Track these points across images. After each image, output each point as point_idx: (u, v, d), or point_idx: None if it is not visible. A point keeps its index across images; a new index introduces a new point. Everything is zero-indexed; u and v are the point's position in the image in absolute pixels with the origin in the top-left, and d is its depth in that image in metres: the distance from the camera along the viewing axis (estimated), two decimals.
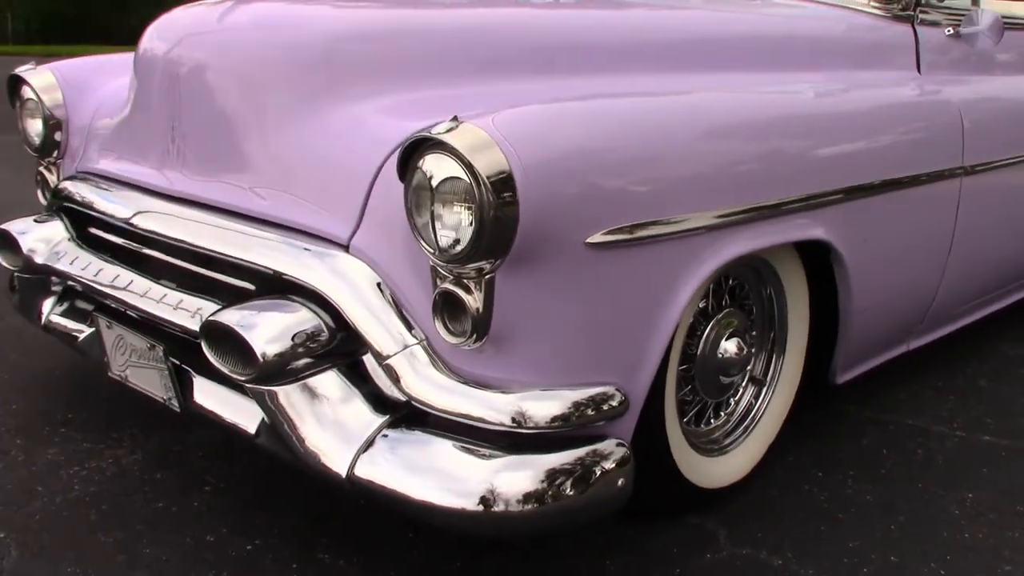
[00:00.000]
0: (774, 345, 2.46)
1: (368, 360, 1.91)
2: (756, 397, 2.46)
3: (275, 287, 1.98)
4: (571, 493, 1.80)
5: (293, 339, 1.86)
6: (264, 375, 1.85)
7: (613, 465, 1.86)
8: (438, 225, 1.71)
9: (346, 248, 1.91)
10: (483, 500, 1.76)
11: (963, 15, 2.95)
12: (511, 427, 1.78)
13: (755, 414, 2.45)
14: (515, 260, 1.70)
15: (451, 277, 1.76)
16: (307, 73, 2.10)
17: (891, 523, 2.29)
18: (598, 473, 1.84)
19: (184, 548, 2.12)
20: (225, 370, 1.90)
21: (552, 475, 1.79)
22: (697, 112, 2.07)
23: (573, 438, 1.85)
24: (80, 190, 2.55)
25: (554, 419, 1.80)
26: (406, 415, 1.87)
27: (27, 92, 2.78)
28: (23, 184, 6.23)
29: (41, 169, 2.84)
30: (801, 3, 2.91)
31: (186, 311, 2.08)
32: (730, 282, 2.29)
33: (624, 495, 1.88)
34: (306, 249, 1.96)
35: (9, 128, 9.06)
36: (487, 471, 1.78)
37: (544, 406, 1.80)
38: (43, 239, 2.53)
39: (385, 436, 1.85)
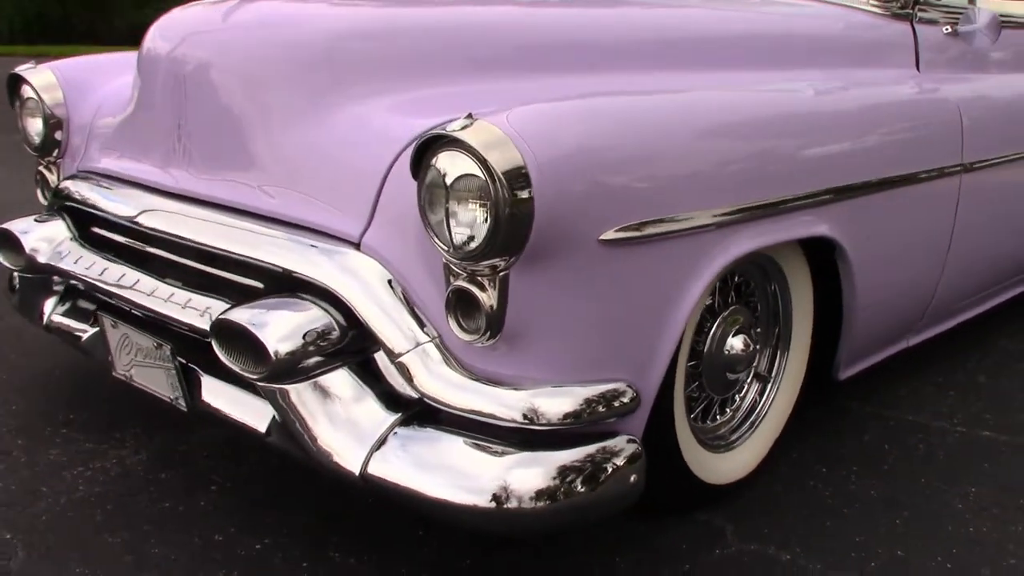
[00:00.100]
0: (778, 342, 2.47)
1: (380, 358, 1.91)
2: (761, 393, 2.47)
3: (284, 285, 1.98)
4: (584, 490, 1.80)
5: (304, 337, 1.86)
6: (276, 373, 1.85)
7: (626, 461, 1.86)
8: (452, 222, 1.71)
9: (357, 246, 1.91)
10: (496, 497, 1.76)
11: (961, 13, 2.98)
12: (523, 424, 1.78)
13: (760, 410, 2.46)
14: (529, 257, 1.71)
15: (464, 274, 1.76)
16: (312, 71, 2.10)
17: (896, 518, 2.31)
18: (611, 470, 1.84)
19: (192, 548, 2.11)
20: (236, 369, 1.89)
21: (565, 472, 1.79)
22: (706, 110, 2.08)
23: (585, 435, 1.85)
24: (82, 189, 2.54)
25: (566, 416, 1.80)
26: (418, 412, 1.87)
27: (27, 91, 2.76)
28: (21, 183, 6.20)
29: (41, 168, 2.82)
30: (800, 1, 2.93)
31: (195, 310, 2.07)
32: (736, 279, 2.30)
33: (636, 491, 1.89)
34: (316, 247, 1.95)
35: (6, 128, 9.00)
36: (500, 468, 1.78)
37: (556, 403, 1.80)
38: (45, 238, 2.52)
39: (397, 434, 1.85)
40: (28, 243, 2.49)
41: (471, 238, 1.70)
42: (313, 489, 2.34)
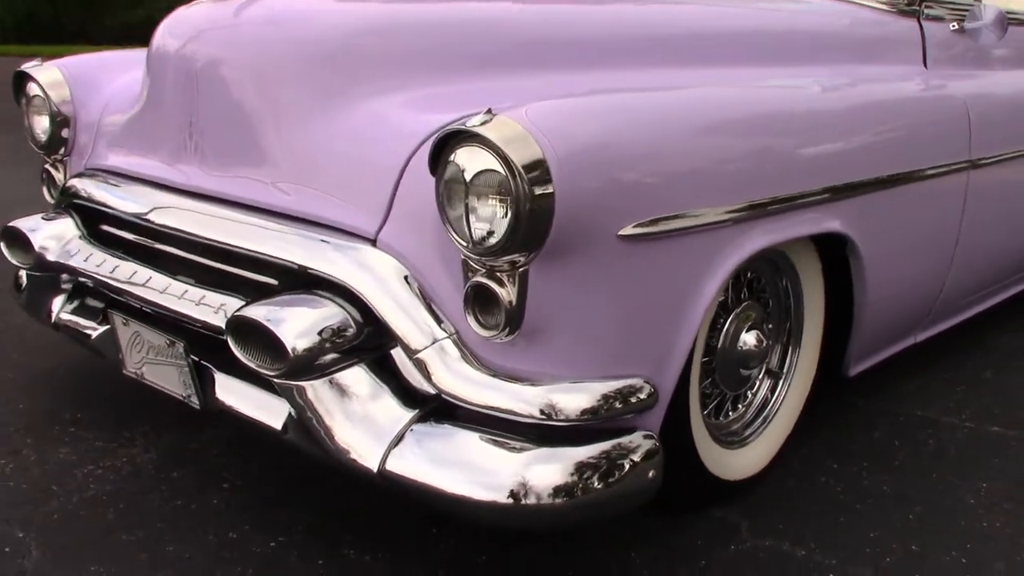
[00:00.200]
0: (790, 338, 2.47)
1: (397, 354, 1.90)
2: (772, 390, 2.48)
3: (299, 282, 1.97)
4: (602, 486, 1.79)
5: (321, 334, 1.85)
6: (294, 370, 1.84)
7: (643, 457, 1.86)
8: (472, 218, 1.71)
9: (374, 242, 1.91)
10: (514, 493, 1.75)
11: (967, 10, 2.98)
12: (541, 420, 1.78)
13: (772, 407, 2.46)
14: (548, 252, 1.70)
15: (483, 270, 1.75)
16: (325, 67, 2.09)
17: (908, 513, 2.31)
18: (629, 465, 1.84)
19: (207, 546, 2.10)
20: (253, 366, 1.89)
21: (583, 468, 1.79)
22: (721, 106, 2.08)
23: (602, 431, 1.85)
24: (91, 187, 2.53)
25: (584, 412, 1.80)
26: (434, 409, 1.87)
27: (33, 89, 2.75)
28: (23, 183, 6.19)
29: (47, 166, 2.81)
30: None
31: (209, 307, 2.06)
32: (748, 275, 2.30)
33: (654, 487, 1.89)
34: (332, 243, 1.95)
35: (8, 127, 8.99)
36: (518, 464, 1.78)
37: (574, 398, 1.80)
38: (54, 236, 2.51)
39: (414, 430, 1.85)
40: (37, 241, 2.48)
41: (490, 234, 1.70)
42: (324, 487, 2.33)
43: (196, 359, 2.16)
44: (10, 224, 2.56)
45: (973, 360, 3.31)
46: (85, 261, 2.39)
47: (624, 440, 1.85)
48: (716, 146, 1.98)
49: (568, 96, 1.88)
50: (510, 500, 1.75)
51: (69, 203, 2.61)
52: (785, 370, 2.47)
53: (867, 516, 2.29)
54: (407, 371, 1.90)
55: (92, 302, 2.56)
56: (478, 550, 2.10)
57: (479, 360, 1.83)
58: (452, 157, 1.71)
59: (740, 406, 2.43)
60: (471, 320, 1.78)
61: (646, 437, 1.88)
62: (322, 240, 1.97)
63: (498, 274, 1.74)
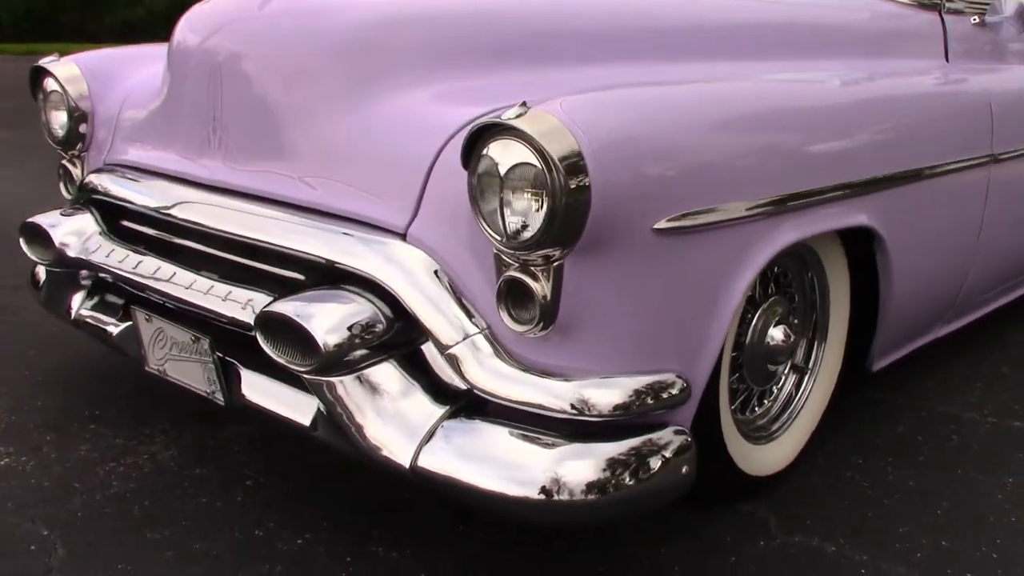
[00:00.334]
0: (815, 333, 2.46)
1: (427, 350, 1.89)
2: (798, 385, 2.46)
3: (326, 277, 1.96)
4: (636, 481, 1.78)
5: (351, 329, 1.84)
6: (324, 366, 1.83)
7: (677, 452, 1.84)
8: (507, 212, 1.69)
9: (403, 237, 1.89)
10: (547, 489, 1.74)
11: (988, 3, 2.97)
12: (574, 415, 1.76)
13: (797, 402, 2.45)
14: (583, 246, 1.69)
15: (516, 264, 1.74)
16: (351, 60, 2.07)
17: (936, 509, 2.30)
18: (662, 461, 1.82)
19: (234, 543, 2.09)
20: (282, 362, 1.87)
21: (617, 463, 1.77)
22: (755, 99, 2.07)
23: (634, 426, 1.83)
24: (111, 182, 2.52)
25: (616, 407, 1.78)
26: (465, 404, 1.86)
27: (51, 84, 2.73)
28: (26, 179, 6.17)
29: (64, 162, 2.79)
30: None
31: (236, 303, 2.04)
32: (775, 270, 2.28)
33: (687, 482, 1.88)
34: (360, 238, 1.93)
35: (7, 125, 8.95)
36: (550, 460, 1.76)
37: (607, 394, 1.78)
38: (74, 232, 2.49)
39: (445, 426, 1.83)
40: (57, 237, 2.46)
41: (525, 228, 1.68)
42: (349, 482, 2.32)
43: (221, 355, 2.14)
44: (30, 220, 2.54)
45: (992, 356, 3.30)
46: (107, 257, 2.38)
47: (657, 436, 1.84)
48: (749, 139, 1.96)
49: (600, 89, 1.86)
50: (543, 496, 1.74)
51: (88, 199, 2.59)
52: (811, 365, 2.46)
53: (895, 512, 2.28)
54: (438, 366, 1.89)
55: (112, 298, 2.55)
56: (508, 546, 2.09)
57: (511, 355, 1.81)
58: (485, 150, 1.70)
59: (766, 401, 2.42)
60: (504, 315, 1.77)
61: (678, 432, 1.87)
62: (350, 235, 1.95)
63: (532, 268, 1.73)
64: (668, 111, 1.88)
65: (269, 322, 1.88)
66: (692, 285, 1.87)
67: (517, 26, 2.23)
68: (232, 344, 2.12)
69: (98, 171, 2.62)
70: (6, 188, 5.90)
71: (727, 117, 1.97)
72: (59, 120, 2.73)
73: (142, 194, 2.40)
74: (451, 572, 2.01)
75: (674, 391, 1.86)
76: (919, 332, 2.81)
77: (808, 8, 2.80)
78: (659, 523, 2.16)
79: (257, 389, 2.10)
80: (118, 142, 2.63)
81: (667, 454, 1.84)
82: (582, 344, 1.79)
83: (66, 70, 2.71)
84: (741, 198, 1.89)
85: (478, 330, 1.82)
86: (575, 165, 1.62)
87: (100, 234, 2.48)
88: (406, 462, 1.80)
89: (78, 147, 2.73)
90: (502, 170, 1.68)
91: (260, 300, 2.00)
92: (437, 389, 1.88)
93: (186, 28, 2.36)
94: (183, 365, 2.24)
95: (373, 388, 1.88)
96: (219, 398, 2.17)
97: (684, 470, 1.86)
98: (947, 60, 2.88)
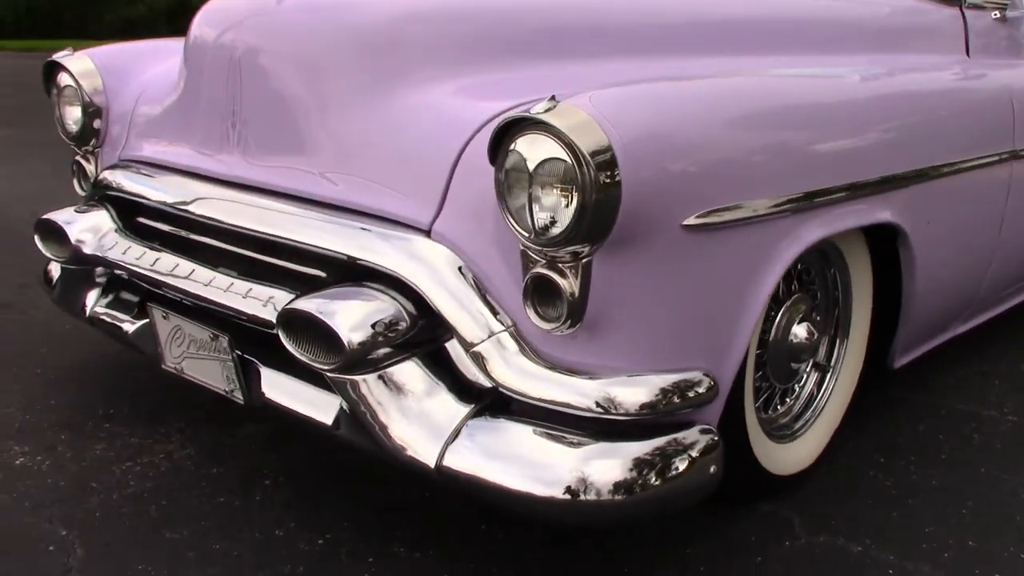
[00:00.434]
0: (837, 330, 2.44)
1: (452, 348, 1.87)
2: (820, 383, 2.44)
3: (348, 274, 1.94)
4: (664, 481, 1.76)
5: (374, 327, 1.81)
6: (349, 364, 1.80)
7: (704, 451, 1.82)
8: (535, 208, 1.67)
9: (427, 233, 1.87)
10: (575, 489, 1.72)
11: None
12: (601, 414, 1.74)
13: (819, 400, 2.42)
14: (612, 242, 1.67)
15: (543, 261, 1.71)
16: (374, 55, 2.05)
17: (961, 508, 2.28)
18: (690, 460, 1.80)
19: (254, 543, 2.07)
20: (305, 360, 1.85)
21: (644, 463, 1.75)
22: (782, 94, 2.05)
23: (661, 425, 1.81)
24: (127, 178, 2.49)
25: (644, 406, 1.76)
26: (489, 402, 1.83)
27: (65, 79, 2.70)
28: (28, 177, 6.15)
29: (78, 158, 2.77)
30: None
31: (257, 300, 2.02)
32: (798, 266, 2.26)
33: (715, 481, 1.85)
34: (383, 234, 1.91)
35: (9, 123, 8.93)
36: (577, 459, 1.74)
37: (634, 392, 1.76)
38: (90, 229, 2.46)
39: (470, 425, 1.81)
40: (73, 234, 2.44)
41: (553, 224, 1.66)
42: (369, 482, 2.30)
43: (240, 353, 2.12)
44: (44, 217, 2.52)
45: (1010, 354, 3.28)
46: (124, 254, 2.35)
47: (684, 435, 1.82)
48: (776, 135, 1.94)
49: (627, 83, 1.84)
50: (570, 496, 1.72)
51: (102, 195, 2.57)
52: (833, 363, 2.44)
53: (919, 511, 2.26)
54: (462, 364, 1.87)
55: (127, 296, 2.53)
56: (532, 546, 2.07)
57: (537, 353, 1.79)
58: (513, 145, 1.67)
59: (788, 400, 2.40)
60: (531, 312, 1.74)
61: (706, 431, 1.85)
62: (372, 231, 1.93)
63: (560, 265, 1.70)
64: (696, 106, 1.86)
65: (292, 320, 1.86)
66: (720, 282, 1.85)
67: (538, 20, 2.20)
68: (251, 342, 2.10)
69: (113, 167, 2.60)
70: (7, 186, 5.87)
71: (754, 112, 1.95)
72: (73, 115, 2.71)
73: (158, 190, 2.37)
74: (475, 573, 1.99)
75: (701, 389, 1.83)
76: (939, 329, 2.78)
77: (829, 3, 2.78)
78: (683, 523, 2.14)
79: (277, 387, 2.08)
80: (133, 138, 2.61)
81: (694, 453, 1.81)
82: (609, 342, 1.77)
83: (80, 65, 2.69)
84: (769, 194, 1.87)
85: (503, 328, 1.80)
86: (606, 160, 1.60)
87: (116, 231, 2.46)
88: (431, 462, 1.78)
89: (92, 143, 2.70)
90: (531, 165, 1.65)
91: (281, 297, 1.98)
92: (461, 387, 1.86)
93: (204, 22, 2.33)
94: (201, 363, 2.21)
95: (397, 387, 1.85)
96: (238, 397, 2.15)
97: (712, 470, 1.84)
98: (968, 55, 2.86)
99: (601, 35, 2.25)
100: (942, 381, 2.99)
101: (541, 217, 1.67)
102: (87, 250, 2.42)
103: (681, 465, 1.79)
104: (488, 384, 1.82)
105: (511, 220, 1.70)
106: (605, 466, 1.74)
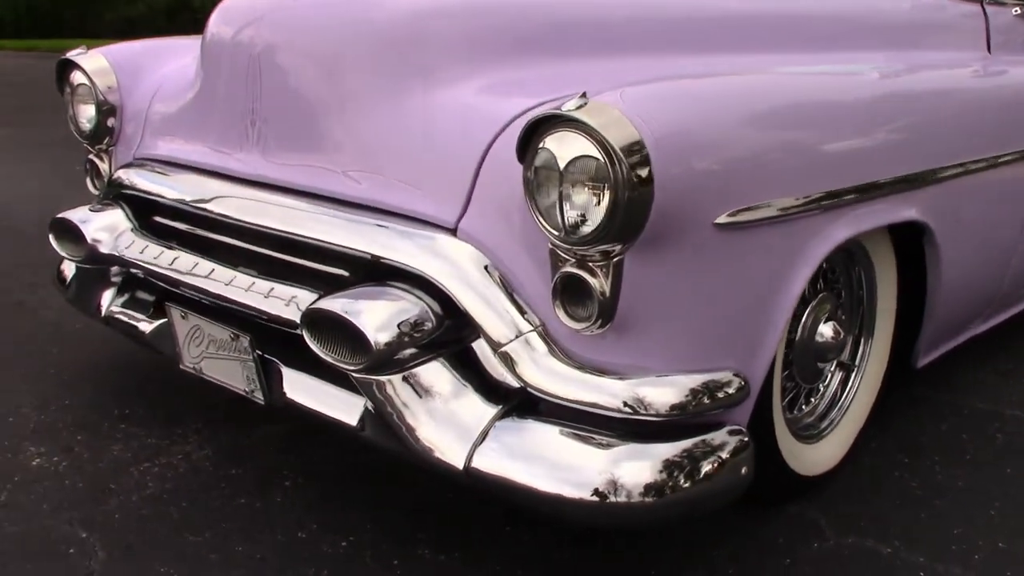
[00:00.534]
0: (862, 329, 2.41)
1: (479, 348, 1.84)
2: (844, 382, 2.42)
3: (371, 273, 1.91)
4: (694, 482, 1.74)
5: (400, 327, 1.79)
6: (375, 365, 1.78)
7: (734, 452, 1.80)
8: (565, 206, 1.64)
9: (453, 232, 1.85)
10: (605, 491, 1.70)
11: None
12: (630, 414, 1.72)
13: (844, 400, 2.40)
14: (643, 241, 1.64)
15: (573, 260, 1.69)
16: (397, 51, 2.03)
17: (989, 509, 2.26)
18: (721, 462, 1.78)
19: (277, 546, 2.04)
20: (331, 361, 1.82)
21: (674, 464, 1.73)
22: (812, 91, 2.04)
23: (690, 425, 1.79)
24: (142, 177, 2.47)
25: (674, 407, 1.74)
26: (517, 403, 1.81)
27: (78, 77, 2.68)
28: (31, 177, 6.13)
29: (91, 157, 2.74)
30: None
31: (279, 299, 1.99)
32: (823, 265, 2.23)
33: (746, 483, 1.83)
34: (408, 233, 1.89)
35: (9, 122, 8.91)
36: (607, 461, 1.72)
37: (665, 392, 1.74)
38: (106, 228, 2.44)
39: (498, 426, 1.79)
40: (89, 233, 2.41)
41: (584, 222, 1.63)
42: (390, 483, 2.28)
43: (261, 353, 2.09)
44: (60, 215, 2.49)
45: None
46: (141, 253, 2.33)
47: (714, 435, 1.79)
48: (806, 132, 1.92)
49: (656, 80, 1.81)
50: (600, 498, 1.70)
51: (117, 194, 2.55)
52: (857, 362, 2.41)
53: (947, 512, 2.23)
54: (489, 364, 1.84)
55: (143, 295, 2.51)
56: (557, 548, 2.05)
57: (565, 353, 1.77)
58: (543, 143, 1.65)
59: (812, 399, 2.38)
60: (560, 312, 1.72)
61: (736, 432, 1.82)
62: (396, 229, 1.91)
63: (590, 264, 1.68)
64: (726, 103, 1.84)
65: (316, 320, 1.83)
66: (751, 281, 1.82)
67: (567, 16, 2.18)
68: (272, 342, 2.08)
69: (127, 166, 2.58)
70: (9, 185, 5.83)
71: (783, 109, 1.93)
72: (87, 114, 2.69)
73: (176, 189, 2.35)
74: (501, 575, 1.97)
75: (731, 390, 1.81)
76: (961, 327, 2.76)
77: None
78: (711, 524, 2.11)
79: (300, 388, 2.05)
80: (148, 136, 2.58)
81: (725, 455, 1.79)
82: (639, 342, 1.74)
83: (94, 63, 2.66)
84: (800, 192, 1.85)
85: (532, 327, 1.78)
86: (639, 158, 1.58)
87: (132, 230, 2.43)
88: (460, 464, 1.76)
89: (106, 141, 2.68)
90: (561, 163, 1.63)
91: (304, 297, 1.96)
92: (488, 388, 1.84)
93: (221, 19, 2.31)
94: (220, 363, 2.19)
95: (423, 387, 1.83)
96: (258, 397, 2.13)
97: (743, 471, 1.82)
98: (989, 52, 2.83)
99: (624, 31, 2.22)
100: (964, 380, 2.97)
101: (571, 215, 1.64)
102: (103, 249, 2.40)
103: (712, 467, 1.77)
104: (516, 384, 1.80)
105: (540, 219, 1.68)
106: (635, 468, 1.72)
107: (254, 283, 2.06)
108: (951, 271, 2.38)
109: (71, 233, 2.44)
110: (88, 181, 2.78)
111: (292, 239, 2.04)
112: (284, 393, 2.07)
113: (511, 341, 1.77)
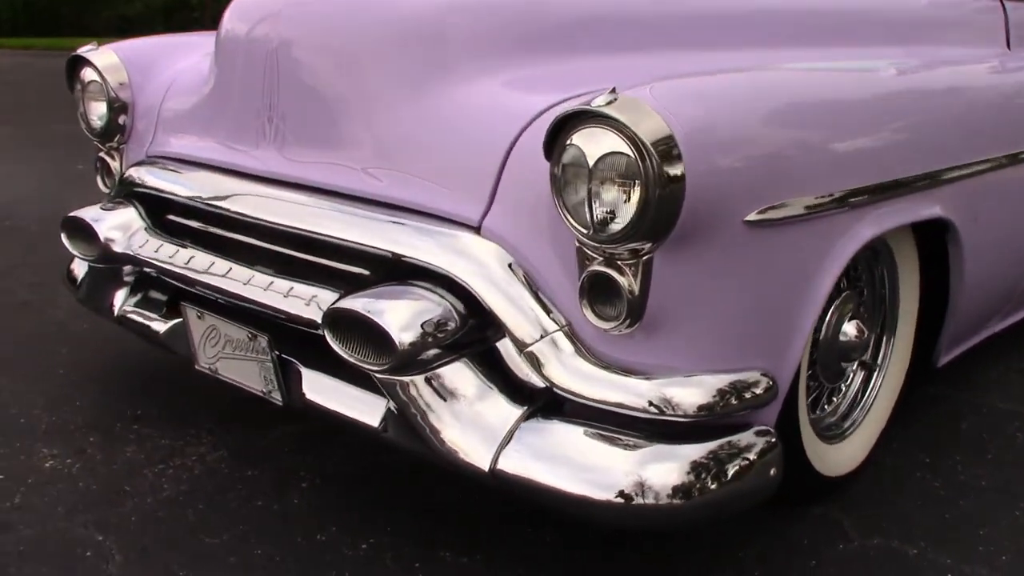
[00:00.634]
0: (884, 328, 2.39)
1: (503, 348, 1.82)
2: (866, 382, 2.39)
3: (392, 272, 1.89)
4: (722, 484, 1.71)
5: (423, 327, 1.76)
6: (399, 365, 1.75)
7: (762, 453, 1.78)
8: (594, 204, 1.62)
9: (477, 230, 1.82)
10: (634, 493, 1.67)
11: None
12: (657, 415, 1.69)
13: (866, 399, 2.38)
14: (673, 239, 1.61)
15: (601, 258, 1.66)
16: (418, 47, 2.00)
17: (1014, 510, 2.23)
18: (749, 462, 1.75)
19: (296, 548, 2.01)
20: (354, 361, 1.80)
21: (703, 466, 1.70)
22: (840, 87, 2.02)
23: (717, 426, 1.76)
24: (157, 175, 2.44)
25: (702, 407, 1.71)
26: (542, 404, 1.78)
27: (89, 74, 2.65)
28: (30, 176, 6.09)
29: (102, 155, 2.71)
30: None
31: (299, 299, 1.96)
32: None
33: (775, 484, 1.81)
34: (431, 230, 1.86)
35: (9, 121, 8.87)
36: (634, 462, 1.70)
37: (693, 393, 1.71)
38: (119, 227, 2.41)
39: (523, 427, 1.76)
40: (102, 232, 2.38)
41: (614, 220, 1.61)
42: (408, 484, 2.26)
43: (279, 354, 2.06)
44: (72, 214, 2.46)
45: None
46: (156, 252, 2.30)
47: (742, 436, 1.77)
48: (834, 128, 1.89)
49: (684, 76, 1.79)
50: (627, 500, 1.67)
51: (129, 192, 2.51)
52: (879, 361, 2.39)
53: (972, 512, 2.21)
54: (514, 364, 1.82)
55: (156, 295, 2.47)
56: (581, 549, 2.02)
57: (592, 353, 1.74)
58: (571, 140, 1.62)
59: (834, 399, 2.35)
60: (587, 311, 1.69)
61: (763, 433, 1.80)
62: (418, 227, 1.88)
63: (618, 262, 1.65)
64: (752, 98, 1.81)
65: (338, 319, 1.81)
66: (780, 279, 1.80)
67: (588, 12, 2.15)
68: (290, 342, 2.05)
69: (140, 164, 2.55)
70: (9, 184, 5.79)
71: (810, 105, 1.91)
72: (98, 111, 2.66)
73: (191, 187, 2.32)
74: None
75: (759, 390, 1.78)
76: (981, 326, 2.74)
77: None
78: (736, 525, 2.09)
79: (319, 389, 2.02)
80: (161, 134, 2.55)
81: (753, 456, 1.77)
82: (667, 341, 1.72)
83: (105, 59, 2.63)
84: (829, 189, 1.82)
85: (558, 327, 1.75)
86: (670, 154, 1.55)
87: (146, 229, 2.40)
88: (486, 465, 1.73)
89: (117, 139, 2.65)
90: (590, 160, 1.60)
91: (324, 296, 1.93)
92: (513, 388, 1.81)
93: (237, 15, 2.28)
94: (237, 364, 2.16)
95: (447, 388, 1.80)
96: (276, 398, 2.10)
97: (772, 472, 1.79)
98: (1008, 48, 2.81)
99: (640, 27, 2.20)
100: (982, 379, 2.95)
101: (600, 213, 1.62)
102: (117, 248, 2.37)
103: (741, 468, 1.74)
104: (541, 384, 1.77)
105: (567, 216, 1.66)
106: (663, 469, 1.69)
107: (273, 282, 2.03)
108: (974, 268, 2.36)
109: (83, 232, 2.41)
110: (98, 179, 2.75)
111: (311, 237, 2.02)
112: (303, 394, 2.04)
113: (537, 341, 1.75)
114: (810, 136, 1.83)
